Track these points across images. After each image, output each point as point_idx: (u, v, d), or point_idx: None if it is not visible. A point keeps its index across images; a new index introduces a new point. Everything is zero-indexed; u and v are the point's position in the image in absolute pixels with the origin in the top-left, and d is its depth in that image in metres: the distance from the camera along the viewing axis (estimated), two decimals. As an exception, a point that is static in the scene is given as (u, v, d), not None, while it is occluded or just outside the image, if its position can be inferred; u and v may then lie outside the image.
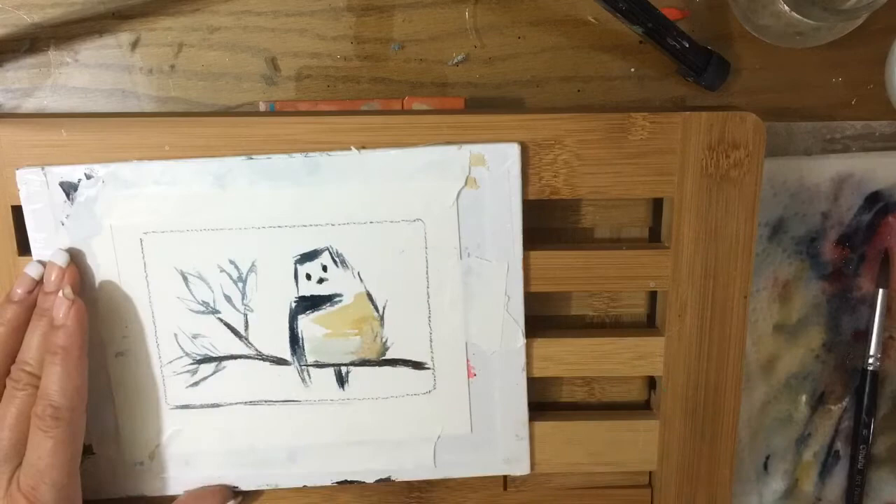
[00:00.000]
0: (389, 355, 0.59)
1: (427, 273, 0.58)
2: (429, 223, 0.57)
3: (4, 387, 0.54)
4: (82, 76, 0.62)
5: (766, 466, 0.68)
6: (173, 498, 0.61)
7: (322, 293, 0.58)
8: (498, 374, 0.60)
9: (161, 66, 0.62)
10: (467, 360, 0.60)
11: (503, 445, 0.62)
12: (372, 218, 0.57)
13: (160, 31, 0.61)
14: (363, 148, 0.56)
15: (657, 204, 0.61)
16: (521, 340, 0.59)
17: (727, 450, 0.62)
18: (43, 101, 0.62)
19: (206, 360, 0.59)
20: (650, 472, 0.64)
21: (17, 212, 0.56)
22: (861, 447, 0.67)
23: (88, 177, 0.55)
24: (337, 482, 0.62)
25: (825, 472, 0.69)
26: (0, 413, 0.54)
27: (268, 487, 0.62)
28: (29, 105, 0.62)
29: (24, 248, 0.57)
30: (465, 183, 0.56)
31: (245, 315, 0.58)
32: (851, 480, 0.69)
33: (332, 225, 0.57)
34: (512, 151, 0.56)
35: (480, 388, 0.60)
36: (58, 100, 0.62)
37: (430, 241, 0.57)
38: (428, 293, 0.58)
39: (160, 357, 0.58)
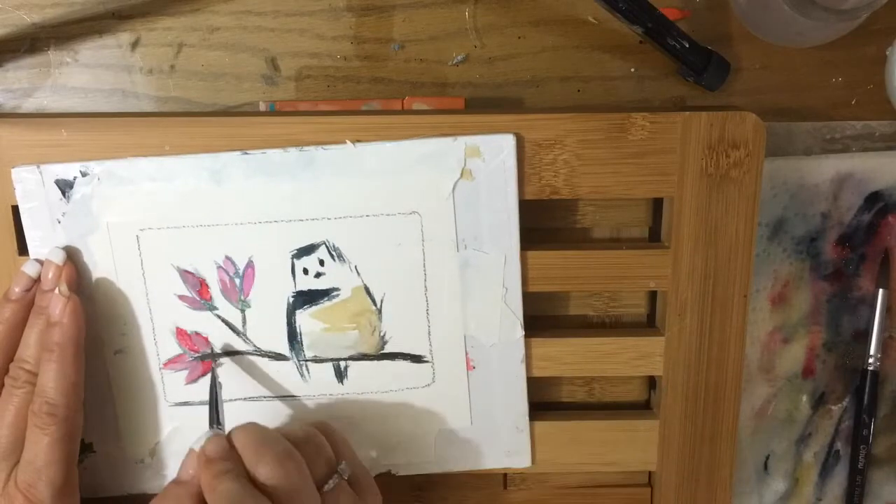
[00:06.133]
0: (388, 349, 0.59)
1: (424, 266, 0.58)
2: (425, 216, 0.57)
3: (3, 385, 0.55)
4: (82, 76, 0.62)
5: (766, 466, 0.68)
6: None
7: (319, 288, 0.58)
8: (497, 366, 0.60)
9: (161, 66, 0.62)
10: (466, 353, 0.60)
11: (503, 438, 0.62)
12: (368, 211, 0.57)
13: (160, 31, 0.61)
14: (358, 141, 0.56)
15: (657, 204, 0.61)
16: (520, 332, 0.59)
17: (727, 450, 0.62)
18: (43, 101, 0.62)
19: (205, 356, 0.59)
20: (650, 472, 0.64)
21: (17, 212, 0.56)
22: (861, 447, 0.67)
23: (84, 174, 0.55)
24: (337, 477, 0.62)
25: (825, 472, 0.69)
26: (-2, 411, 0.54)
27: (268, 484, 0.62)
28: (29, 105, 0.62)
29: (24, 247, 0.57)
30: (461, 175, 0.56)
31: (242, 311, 0.58)
32: (851, 480, 0.68)
33: (329, 219, 0.57)
34: (507, 143, 0.56)
35: (480, 381, 0.60)
36: (58, 100, 0.62)
37: (426, 233, 0.57)
38: (425, 286, 0.58)
39: (158, 354, 0.59)
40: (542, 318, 0.63)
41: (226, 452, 0.51)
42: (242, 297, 0.58)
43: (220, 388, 0.57)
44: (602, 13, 0.60)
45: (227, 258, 0.57)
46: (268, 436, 0.52)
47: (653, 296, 0.63)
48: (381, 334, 0.59)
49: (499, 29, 0.62)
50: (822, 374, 0.67)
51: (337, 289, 0.58)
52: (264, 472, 0.50)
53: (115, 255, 0.57)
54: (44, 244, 0.56)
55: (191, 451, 0.51)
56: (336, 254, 0.57)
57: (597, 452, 0.63)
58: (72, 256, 0.56)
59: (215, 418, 0.56)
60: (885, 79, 0.62)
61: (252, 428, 0.52)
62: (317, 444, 0.53)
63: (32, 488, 0.52)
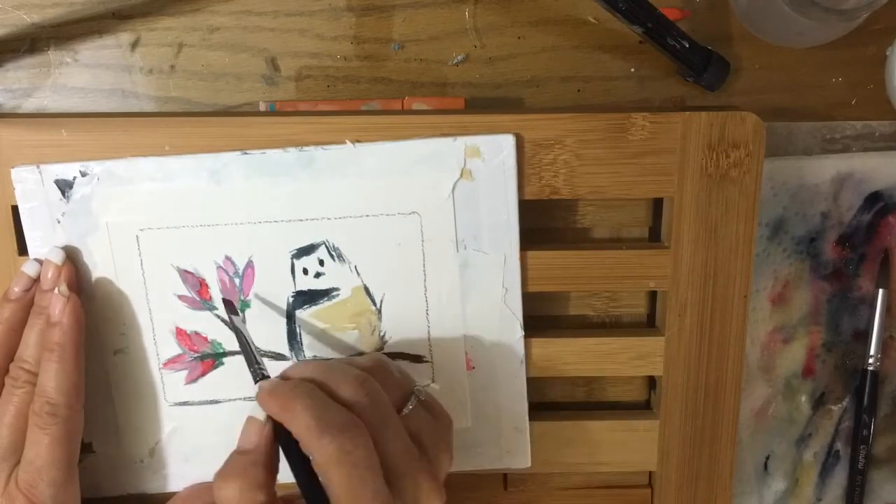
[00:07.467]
0: (387, 349, 0.59)
1: (424, 266, 0.58)
2: (425, 216, 0.57)
3: (3, 385, 0.55)
4: (82, 76, 0.62)
5: (766, 466, 0.68)
6: (174, 495, 0.61)
7: (319, 287, 0.58)
8: (497, 366, 0.60)
9: (161, 66, 0.62)
10: (466, 353, 0.60)
11: (503, 438, 0.62)
12: (368, 211, 0.57)
13: (160, 31, 0.61)
14: (358, 141, 0.56)
15: (657, 204, 0.61)
16: (520, 333, 0.59)
17: (727, 450, 0.62)
18: (43, 101, 0.62)
19: (204, 356, 0.59)
20: (650, 472, 0.64)
21: (17, 212, 0.56)
22: (861, 447, 0.67)
23: (83, 174, 0.55)
24: (337, 477, 0.62)
25: (825, 472, 0.69)
26: (-1, 411, 0.54)
27: (267, 484, 0.62)
28: (29, 105, 0.62)
29: (23, 247, 0.57)
30: (461, 175, 0.56)
31: (242, 311, 0.58)
32: (851, 480, 0.68)
33: (328, 219, 0.57)
34: (507, 143, 0.56)
35: (479, 381, 0.60)
36: (58, 100, 0.62)
37: (426, 233, 0.57)
38: (425, 286, 0.58)
39: (158, 354, 0.59)
40: (542, 318, 0.62)
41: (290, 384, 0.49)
42: (242, 297, 0.58)
43: (248, 335, 0.54)
44: (602, 13, 0.60)
45: (227, 258, 0.57)
46: (335, 364, 0.50)
47: (653, 296, 0.63)
48: (381, 334, 0.59)
49: (499, 29, 0.62)
50: (822, 374, 0.67)
51: (337, 289, 0.58)
52: (345, 395, 0.48)
53: (114, 255, 0.57)
54: (44, 244, 0.56)
55: (249, 418, 0.49)
56: (336, 254, 0.57)
57: (597, 452, 0.63)
58: (71, 256, 0.56)
59: (254, 361, 0.52)
60: (885, 79, 0.62)
61: (314, 361, 0.50)
62: (386, 369, 0.53)
63: (34, 488, 0.52)
